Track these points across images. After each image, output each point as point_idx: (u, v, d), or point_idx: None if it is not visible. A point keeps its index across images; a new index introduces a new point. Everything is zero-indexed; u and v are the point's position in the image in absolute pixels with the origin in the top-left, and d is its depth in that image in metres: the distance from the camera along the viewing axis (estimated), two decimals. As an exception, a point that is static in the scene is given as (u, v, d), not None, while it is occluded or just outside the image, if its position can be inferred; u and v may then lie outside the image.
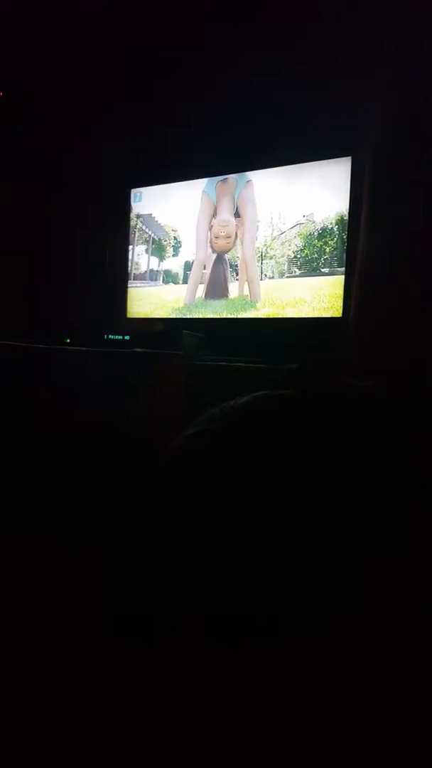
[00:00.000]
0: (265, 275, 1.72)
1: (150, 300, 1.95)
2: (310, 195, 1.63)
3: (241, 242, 1.75)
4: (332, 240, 1.60)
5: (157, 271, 1.95)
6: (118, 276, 2.02)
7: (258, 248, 1.72)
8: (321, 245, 1.62)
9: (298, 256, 1.66)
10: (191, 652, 0.34)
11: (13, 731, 0.46)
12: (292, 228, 1.67)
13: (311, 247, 1.63)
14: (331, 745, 0.31)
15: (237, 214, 1.76)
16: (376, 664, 0.30)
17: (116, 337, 1.59)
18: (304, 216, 1.64)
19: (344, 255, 1.57)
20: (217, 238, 1.80)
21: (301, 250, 1.65)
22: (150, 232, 1.97)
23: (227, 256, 1.78)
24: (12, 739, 0.45)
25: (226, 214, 1.78)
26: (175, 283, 1.91)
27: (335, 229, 1.59)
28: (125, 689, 0.38)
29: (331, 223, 1.60)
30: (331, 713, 0.31)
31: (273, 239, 1.70)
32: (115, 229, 2.03)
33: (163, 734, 0.34)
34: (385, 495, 0.33)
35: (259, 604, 0.32)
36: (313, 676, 0.31)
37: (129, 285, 2.00)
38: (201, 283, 1.83)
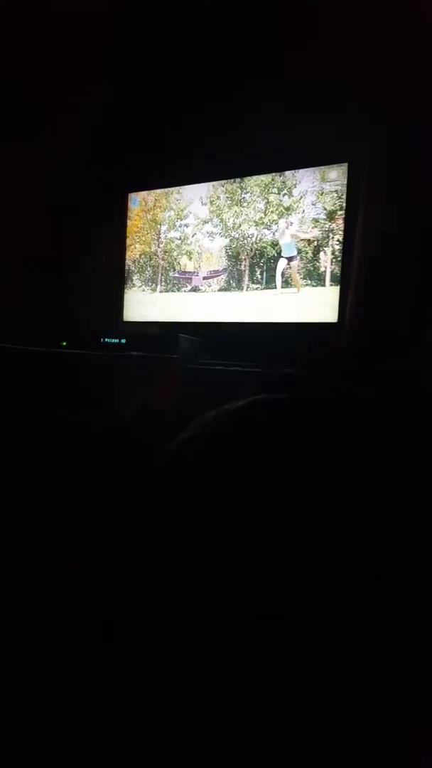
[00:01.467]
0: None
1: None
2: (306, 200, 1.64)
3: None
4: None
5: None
6: (114, 279, 2.02)
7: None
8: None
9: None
10: (189, 656, 0.34)
11: (13, 731, 0.46)
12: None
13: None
14: (330, 746, 0.31)
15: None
16: (378, 672, 0.30)
17: (113, 340, 1.59)
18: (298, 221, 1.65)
19: (340, 259, 1.58)
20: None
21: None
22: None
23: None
24: (11, 738, 0.45)
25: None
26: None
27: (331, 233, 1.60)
28: (125, 690, 0.38)
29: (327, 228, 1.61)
30: (332, 719, 0.31)
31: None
32: (112, 233, 2.03)
33: (163, 734, 0.34)
34: (383, 501, 0.33)
35: (258, 610, 0.32)
36: (313, 685, 0.31)
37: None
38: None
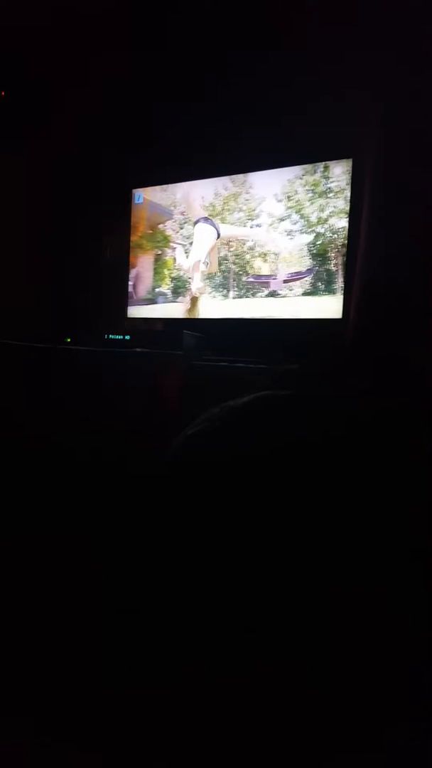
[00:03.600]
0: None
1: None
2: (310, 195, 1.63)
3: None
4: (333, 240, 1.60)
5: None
6: (118, 276, 2.03)
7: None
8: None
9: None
10: (190, 649, 0.34)
11: (13, 730, 0.46)
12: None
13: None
14: (328, 741, 0.31)
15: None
16: (372, 661, 0.31)
17: (117, 336, 1.59)
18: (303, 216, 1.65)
19: (344, 256, 1.57)
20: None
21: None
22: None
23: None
24: (12, 737, 0.46)
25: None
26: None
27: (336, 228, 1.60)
28: (125, 688, 0.38)
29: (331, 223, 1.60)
30: (330, 711, 0.31)
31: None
32: (116, 229, 2.03)
33: (162, 733, 0.34)
34: (383, 493, 0.33)
35: (258, 601, 0.33)
36: (310, 672, 0.31)
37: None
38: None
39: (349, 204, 1.56)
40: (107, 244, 2.07)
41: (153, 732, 0.35)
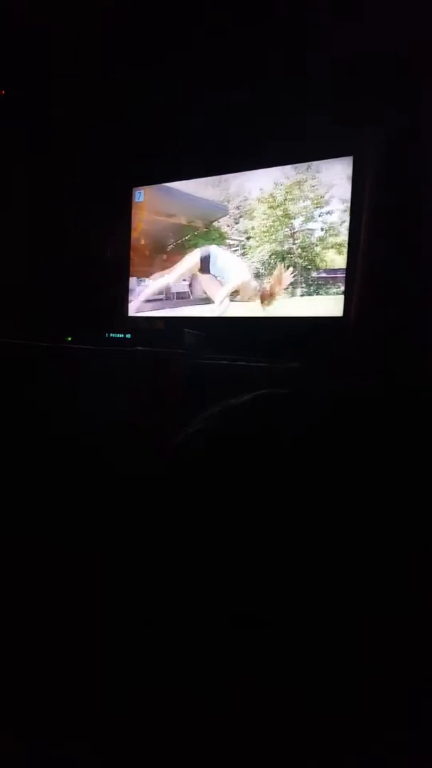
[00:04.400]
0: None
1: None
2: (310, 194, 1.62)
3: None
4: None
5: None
6: (119, 274, 2.02)
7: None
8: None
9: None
10: (191, 649, 0.34)
11: (13, 730, 0.47)
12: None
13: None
14: (329, 741, 0.31)
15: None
16: (372, 657, 0.30)
17: (118, 335, 1.59)
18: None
19: (345, 255, 1.56)
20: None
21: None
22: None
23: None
24: (12, 738, 0.46)
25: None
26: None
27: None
28: (125, 687, 0.38)
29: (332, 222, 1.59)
30: (331, 713, 0.31)
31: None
32: (116, 227, 2.03)
33: (162, 733, 0.34)
34: (384, 493, 0.33)
35: (259, 601, 0.33)
36: (313, 672, 0.31)
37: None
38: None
39: (350, 201, 1.55)
40: (107, 244, 2.07)
41: (154, 732, 0.35)
